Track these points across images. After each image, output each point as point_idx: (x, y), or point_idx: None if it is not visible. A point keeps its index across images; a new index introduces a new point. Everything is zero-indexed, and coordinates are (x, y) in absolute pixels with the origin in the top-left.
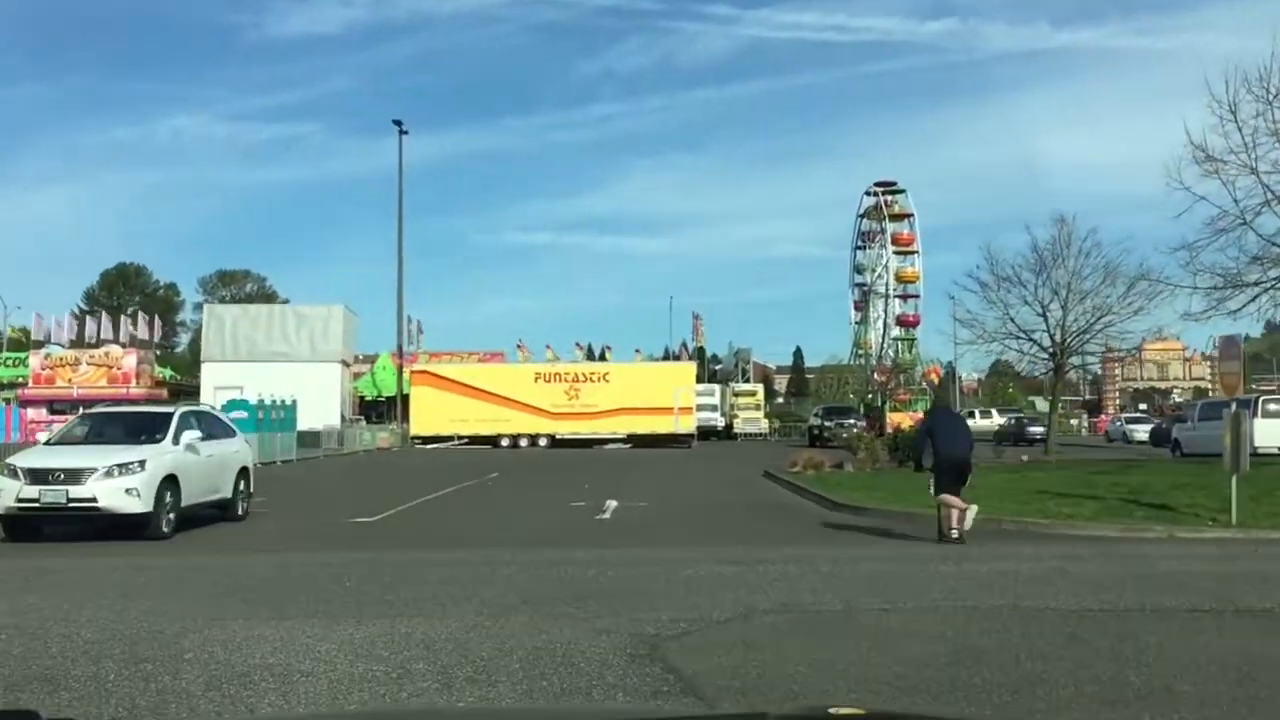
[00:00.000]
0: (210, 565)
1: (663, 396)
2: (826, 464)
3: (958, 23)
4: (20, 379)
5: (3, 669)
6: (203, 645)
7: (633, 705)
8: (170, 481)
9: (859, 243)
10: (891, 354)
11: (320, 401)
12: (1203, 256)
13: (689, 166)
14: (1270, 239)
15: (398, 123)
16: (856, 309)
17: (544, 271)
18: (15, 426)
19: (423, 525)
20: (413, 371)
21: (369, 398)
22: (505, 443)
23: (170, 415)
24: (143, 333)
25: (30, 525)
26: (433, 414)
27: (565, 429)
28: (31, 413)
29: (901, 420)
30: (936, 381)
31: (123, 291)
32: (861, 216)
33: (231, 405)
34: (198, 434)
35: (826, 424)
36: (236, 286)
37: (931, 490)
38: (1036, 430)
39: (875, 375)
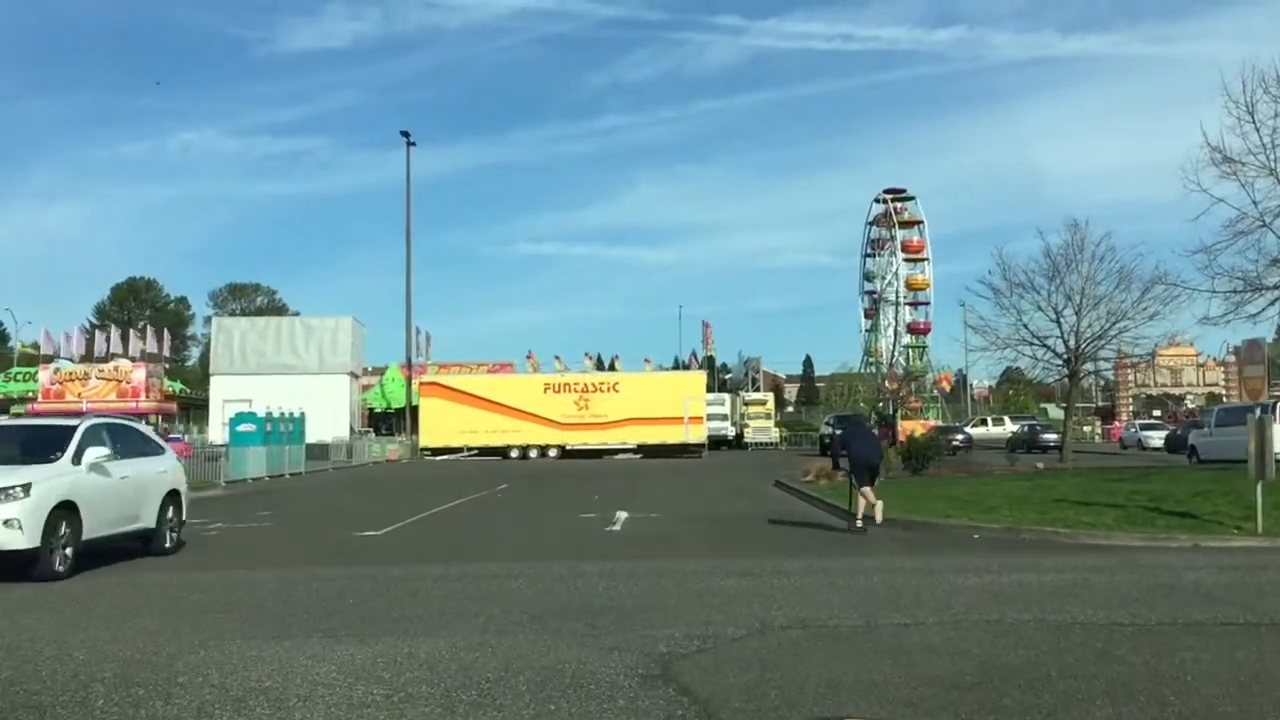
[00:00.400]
0: (212, 582)
1: (673, 406)
2: (839, 474)
3: (965, 31)
4: (30, 394)
5: None
6: (197, 668)
7: None
8: (66, 509)
9: (869, 250)
10: (903, 361)
11: (329, 413)
12: (1221, 259)
13: (697, 177)
14: None
15: (405, 133)
16: (867, 316)
17: (553, 282)
18: None
19: (430, 539)
20: (421, 383)
21: (378, 409)
22: (515, 454)
23: (72, 430)
24: (152, 346)
25: None
26: (442, 425)
27: (575, 439)
28: None
29: (914, 428)
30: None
31: (133, 306)
32: (871, 224)
33: (240, 418)
34: (105, 451)
35: (838, 433)
36: (247, 299)
37: (854, 482)
38: (1050, 437)
39: (886, 383)
